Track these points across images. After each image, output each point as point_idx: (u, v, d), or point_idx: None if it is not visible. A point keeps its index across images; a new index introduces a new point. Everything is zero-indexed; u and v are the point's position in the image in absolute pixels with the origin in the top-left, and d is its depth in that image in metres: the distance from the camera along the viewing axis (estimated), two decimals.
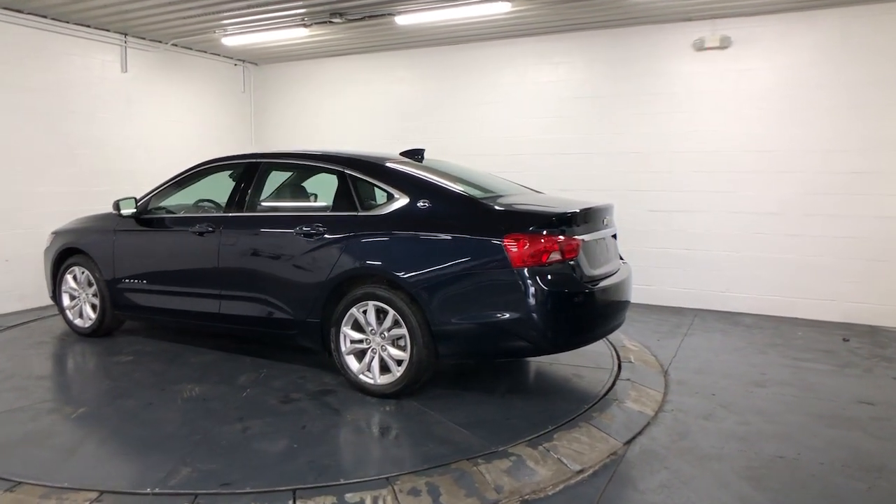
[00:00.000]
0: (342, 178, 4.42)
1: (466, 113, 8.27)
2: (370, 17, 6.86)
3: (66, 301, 5.63)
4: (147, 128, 7.96)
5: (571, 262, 3.89)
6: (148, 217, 5.12)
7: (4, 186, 6.51)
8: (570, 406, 4.05)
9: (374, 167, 4.39)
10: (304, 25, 7.19)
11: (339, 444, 3.49)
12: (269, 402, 4.07)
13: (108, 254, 5.25)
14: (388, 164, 4.45)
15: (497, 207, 4.03)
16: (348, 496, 2.91)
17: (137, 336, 5.59)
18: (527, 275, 3.73)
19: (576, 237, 3.96)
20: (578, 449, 3.49)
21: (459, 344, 3.96)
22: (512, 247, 3.73)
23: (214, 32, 7.60)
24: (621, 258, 4.91)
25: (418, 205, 4.10)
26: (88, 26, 7.18)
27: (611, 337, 5.53)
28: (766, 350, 5.53)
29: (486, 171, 5.63)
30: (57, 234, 5.68)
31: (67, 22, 6.96)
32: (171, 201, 5.18)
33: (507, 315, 3.80)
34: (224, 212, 4.82)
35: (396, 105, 8.71)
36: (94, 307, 5.44)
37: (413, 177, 4.31)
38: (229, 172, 4.96)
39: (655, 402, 4.26)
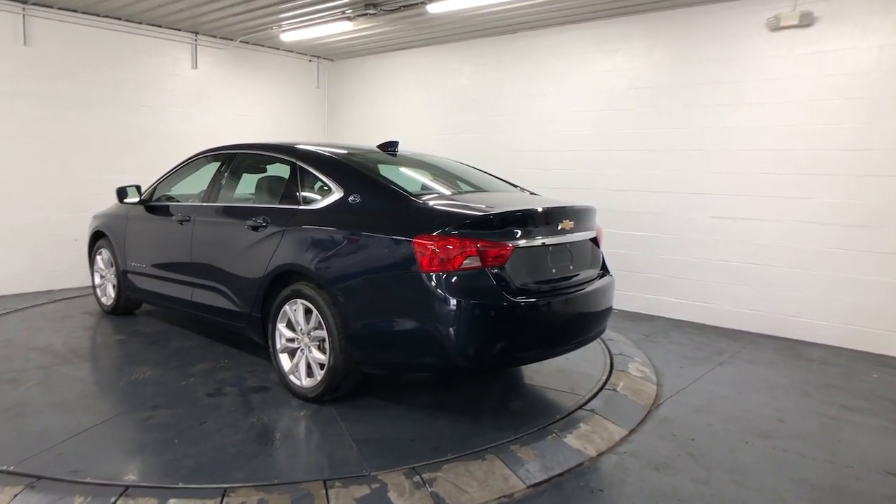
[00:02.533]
0: (293, 169, 4.27)
1: (515, 106, 7.78)
2: (404, 6, 6.65)
3: (96, 280, 6.09)
4: (216, 122, 8.41)
5: (496, 271, 3.41)
6: (151, 205, 5.35)
7: (78, 174, 7.19)
8: (498, 433, 3.57)
9: (319, 158, 4.18)
10: (348, 18, 7.16)
11: (219, 444, 3.34)
12: (197, 394, 4.05)
13: (121, 238, 5.58)
14: (333, 156, 4.21)
15: (421, 204, 3.64)
16: (172, 501, 2.76)
17: (150, 318, 5.90)
18: (435, 281, 3.32)
19: (506, 242, 3.46)
20: (464, 485, 3.03)
21: (373, 352, 3.64)
22: (421, 249, 3.35)
23: (272, 29, 7.84)
24: (604, 269, 4.27)
25: (349, 199, 3.84)
26: (160, 26, 7.71)
27: (620, 357, 4.91)
28: (813, 392, 4.54)
29: (467, 166, 5.19)
30: (95, 217, 6.15)
31: (140, 23, 7.53)
32: (175, 190, 5.36)
33: (416, 325, 3.42)
34: (200, 202, 4.88)
35: (452, 98, 8.43)
36: (114, 287, 5.81)
37: (350, 169, 4.03)
38: (216, 163, 5.02)
39: (609, 440, 3.62)
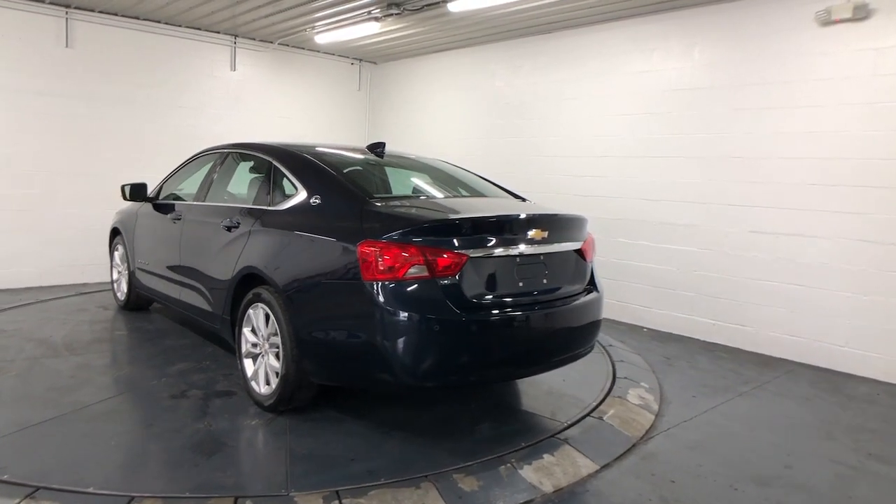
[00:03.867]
0: (268, 169, 4.15)
1: (548, 109, 7.41)
2: (426, 6, 6.46)
3: (114, 275, 6.25)
4: (253, 123, 8.51)
5: (446, 282, 3.12)
6: (156, 203, 5.40)
7: (114, 173, 7.43)
8: (449, 458, 3.27)
9: (290, 158, 4.02)
10: (375, 19, 7.05)
11: (154, 450, 3.24)
12: (161, 395, 3.98)
13: (131, 235, 5.68)
14: (303, 155, 4.04)
15: (376, 208, 3.40)
16: None
17: (159, 314, 5.97)
18: (378, 291, 3.08)
19: (460, 251, 3.16)
20: None
21: (322, 363, 3.44)
22: (364, 255, 3.11)
23: (306, 31, 7.85)
24: (592, 284, 3.88)
25: (311, 201, 3.67)
26: (199, 29, 7.89)
27: (624, 382, 4.50)
28: (839, 435, 3.95)
29: (462, 170, 4.89)
30: (116, 214, 6.31)
31: (179, 25, 7.73)
32: (178, 189, 5.39)
33: (360, 337, 3.19)
34: (191, 201, 4.87)
35: (488, 102, 8.15)
36: (127, 283, 5.93)
37: (316, 169, 3.84)
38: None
39: (573, 476, 3.24)
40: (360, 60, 9.57)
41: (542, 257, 3.51)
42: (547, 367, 3.61)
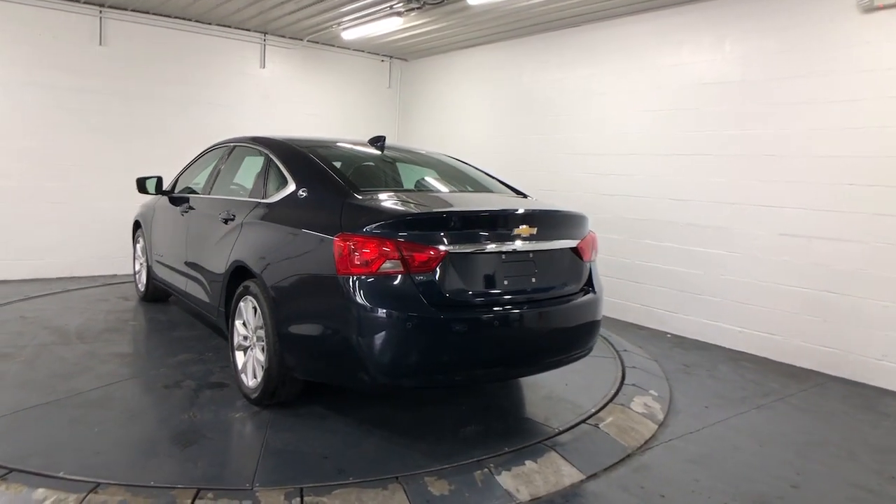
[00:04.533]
0: (264, 161, 4.13)
1: (574, 105, 7.20)
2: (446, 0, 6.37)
3: (136, 267, 6.39)
4: (283, 120, 8.59)
5: (421, 277, 3.01)
6: (170, 196, 5.48)
7: (144, 167, 7.55)
8: (424, 460, 3.16)
9: (284, 150, 3.98)
10: (398, 14, 6.99)
11: (135, 439, 3.24)
12: (155, 385, 4.01)
13: (149, 228, 5.79)
14: (296, 147, 3.99)
15: (357, 201, 3.32)
16: (40, 490, 2.68)
17: (176, 306, 6.06)
18: (349, 285, 3.00)
19: (437, 247, 3.05)
20: None
21: (301, 358, 3.37)
22: (339, 249, 3.04)
23: (333, 28, 7.87)
24: (589, 285, 3.69)
25: (299, 192, 3.62)
26: (229, 26, 8.02)
27: (631, 389, 4.31)
28: (863, 455, 3.64)
29: (466, 164, 4.77)
30: (140, 207, 6.46)
31: (209, 23, 7.87)
32: (191, 182, 5.44)
33: (335, 332, 3.12)
34: (198, 194, 4.91)
35: (515, 98, 7.98)
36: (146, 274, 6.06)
37: (306, 161, 3.79)
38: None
39: (555, 485, 3.07)
40: (391, 57, 9.55)
41: (531, 255, 3.36)
42: (535, 370, 3.46)
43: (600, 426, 3.71)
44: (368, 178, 4.02)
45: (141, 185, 5.41)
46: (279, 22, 7.74)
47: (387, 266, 2.96)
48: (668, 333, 6.25)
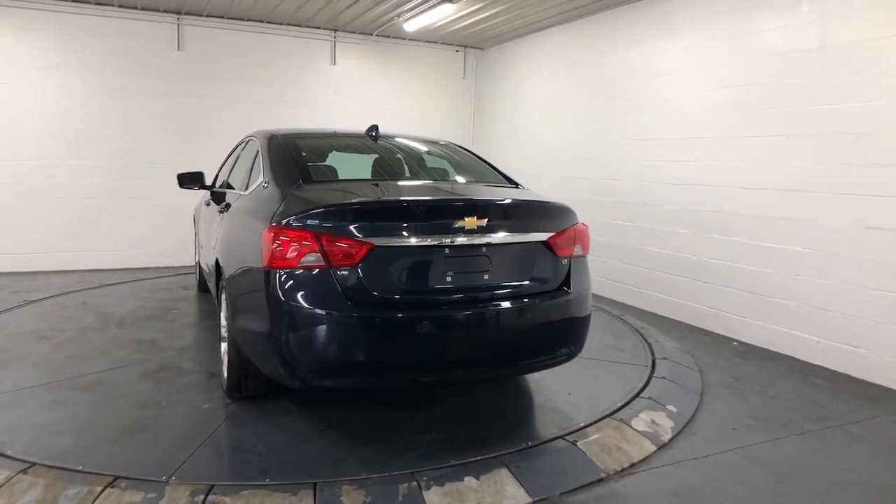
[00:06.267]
0: (255, 153, 4.11)
1: (642, 86, 6.56)
2: None
3: (196, 258, 6.75)
4: (353, 116, 8.67)
5: (344, 272, 2.81)
6: (211, 190, 5.69)
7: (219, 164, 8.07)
8: (360, 466, 2.96)
9: (269, 142, 3.90)
10: (449, 1, 6.78)
11: (98, 422, 3.34)
12: (153, 371, 4.15)
13: (196, 221, 6.08)
14: (277, 138, 3.92)
15: (299, 191, 3.17)
16: None
17: None
18: (273, 279, 2.87)
19: (364, 239, 2.83)
20: None
21: (249, 353, 3.30)
22: (266, 241, 2.92)
23: (394, 21, 7.82)
24: (566, 284, 3.27)
25: (262, 184, 3.56)
26: (300, 25, 8.25)
27: (643, 402, 3.85)
28: None
29: (461, 153, 4.43)
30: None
31: (281, 24, 8.14)
32: (223, 177, 5.60)
33: (261, 328, 3.00)
34: (219, 188, 5.04)
35: (585, 81, 7.45)
36: None
37: (278, 152, 3.70)
38: None
39: None
40: (465, 47, 9.33)
41: (484, 249, 3.03)
42: (489, 376, 3.14)
43: (579, 443, 3.29)
44: (333, 168, 3.86)
45: (181, 180, 5.61)
46: (344, 17, 7.80)
47: (308, 259, 2.80)
48: (734, 340, 5.49)
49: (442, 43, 9.11)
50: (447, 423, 3.52)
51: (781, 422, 3.80)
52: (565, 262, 3.27)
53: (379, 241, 2.83)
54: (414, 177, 3.91)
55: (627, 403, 3.84)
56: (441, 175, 3.92)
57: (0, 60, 6.97)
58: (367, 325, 2.80)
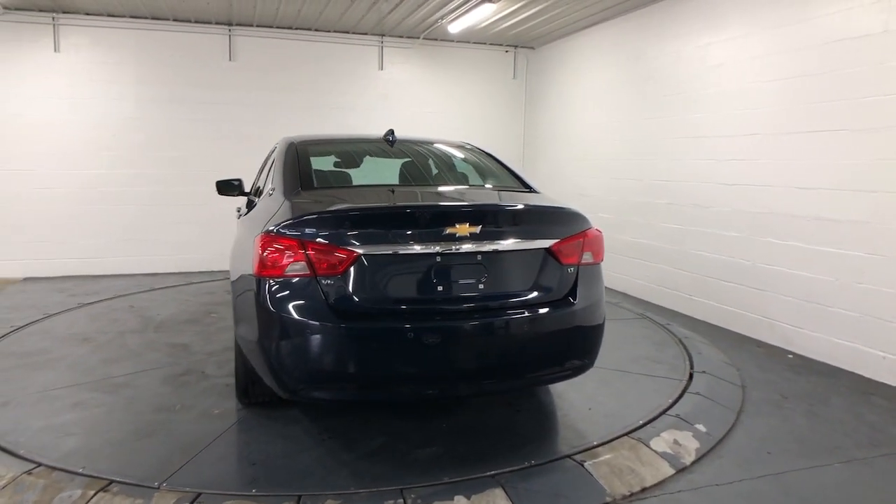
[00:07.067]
0: (272, 160, 4.13)
1: (692, 81, 6.19)
2: None
3: None
4: (401, 120, 8.58)
5: (329, 281, 2.74)
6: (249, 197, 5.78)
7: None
8: (343, 480, 2.89)
9: (284, 148, 3.89)
10: (490, 1, 6.65)
11: (108, 425, 3.43)
12: (178, 375, 4.24)
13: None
14: (291, 144, 3.90)
15: (295, 199, 3.13)
16: None
17: None
18: (262, 287, 2.83)
19: (349, 248, 2.75)
20: None
21: (248, 360, 3.29)
22: (256, 249, 2.89)
23: (439, 23, 7.74)
24: (572, 296, 3.07)
25: (269, 191, 3.56)
26: (347, 32, 8.32)
27: (669, 420, 3.60)
28: None
29: (479, 157, 4.27)
30: None
31: (329, 31, 8.24)
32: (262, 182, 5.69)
33: (251, 337, 2.98)
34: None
35: (634, 77, 7.12)
36: None
37: (288, 158, 3.67)
38: None
39: None
40: (516, 47, 9.13)
41: (479, 257, 2.88)
42: (484, 390, 2.97)
43: (586, 464, 3.08)
44: (345, 174, 3.81)
45: (220, 187, 5.63)
46: (389, 22, 7.78)
47: (294, 268, 2.75)
48: (790, 353, 5.06)
49: (491, 44, 8.96)
50: (451, 436, 3.39)
51: (827, 447, 3.44)
52: (571, 270, 3.07)
53: (365, 250, 2.75)
54: (423, 182, 3.81)
55: (651, 421, 3.58)
56: (453, 179, 3.80)
57: (63, 76, 7.40)
58: (352, 336, 2.71)
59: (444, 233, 2.80)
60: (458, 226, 2.80)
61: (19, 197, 7.41)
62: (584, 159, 8.00)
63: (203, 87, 7.87)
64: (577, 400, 3.90)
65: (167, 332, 5.24)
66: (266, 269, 2.80)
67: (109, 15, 7.39)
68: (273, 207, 3.19)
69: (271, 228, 2.83)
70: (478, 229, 2.83)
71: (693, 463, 3.22)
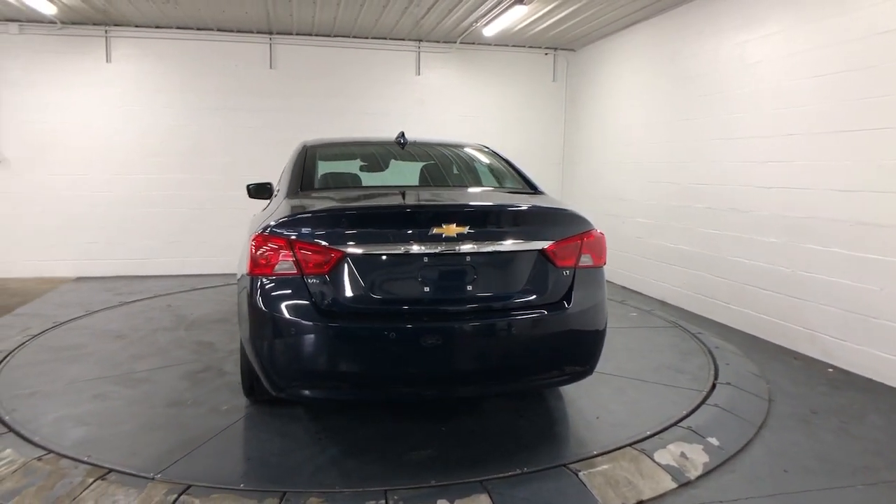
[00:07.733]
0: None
1: (729, 80, 5.95)
2: None
3: None
4: (437, 125, 8.69)
5: (314, 280, 2.76)
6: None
7: None
8: (333, 479, 2.90)
9: (298, 150, 3.98)
10: (520, 1, 6.59)
11: (120, 417, 3.55)
12: (197, 371, 4.36)
13: None
14: (308, 147, 3.95)
15: (292, 200, 3.18)
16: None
17: None
18: (253, 286, 2.88)
19: (335, 247, 2.76)
20: None
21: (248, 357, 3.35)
22: (251, 247, 2.95)
23: (475, 27, 7.74)
24: (566, 299, 2.99)
25: (275, 192, 3.64)
26: (384, 38, 8.42)
27: (680, 432, 3.46)
28: None
29: (489, 159, 4.21)
30: None
31: (366, 38, 8.37)
32: None
33: (244, 333, 3.04)
34: None
35: (671, 77, 6.91)
36: None
37: (298, 160, 3.74)
38: None
39: None
40: (555, 49, 9.02)
41: (468, 258, 2.84)
42: (472, 393, 2.94)
43: (581, 473, 2.98)
44: (353, 176, 3.83)
45: (251, 190, 5.71)
46: (424, 27, 7.83)
47: (283, 267, 2.79)
48: (829, 367, 4.77)
49: (529, 46, 8.88)
50: (448, 440, 3.35)
51: (853, 466, 3.21)
52: (567, 273, 2.99)
53: (351, 249, 2.76)
54: (427, 183, 3.79)
55: (659, 432, 3.43)
56: (458, 180, 3.77)
57: (115, 86, 7.79)
58: (336, 335, 2.73)
59: (431, 233, 2.78)
60: (444, 226, 2.78)
61: (73, 200, 7.84)
62: (622, 163, 7.81)
63: (245, 94, 8.12)
64: (586, 407, 3.79)
65: (196, 331, 5.41)
66: (258, 267, 2.85)
67: (157, 27, 7.74)
68: (273, 208, 3.25)
69: (264, 228, 2.88)
70: (466, 230, 2.79)
71: (698, 478, 3.06)
